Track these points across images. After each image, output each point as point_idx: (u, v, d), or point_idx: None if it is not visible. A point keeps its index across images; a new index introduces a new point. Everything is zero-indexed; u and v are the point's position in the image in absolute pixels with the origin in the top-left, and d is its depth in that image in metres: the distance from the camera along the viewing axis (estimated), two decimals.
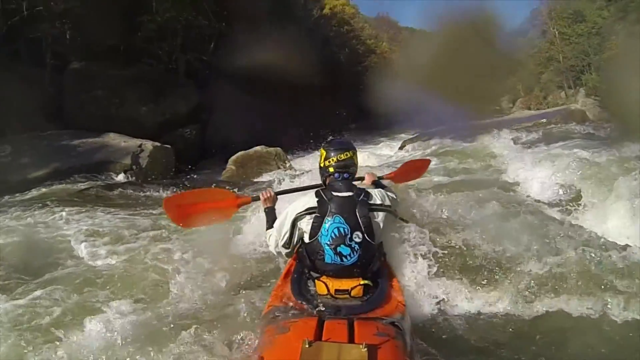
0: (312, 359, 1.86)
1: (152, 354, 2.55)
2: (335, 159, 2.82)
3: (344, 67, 27.45)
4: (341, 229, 2.59)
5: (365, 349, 1.88)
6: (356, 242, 2.59)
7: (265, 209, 3.13)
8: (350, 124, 25.02)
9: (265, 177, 9.78)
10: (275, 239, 2.84)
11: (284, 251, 2.85)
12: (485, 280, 3.40)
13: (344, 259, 2.59)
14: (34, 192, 7.58)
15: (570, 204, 5.23)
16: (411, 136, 15.73)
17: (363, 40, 32.72)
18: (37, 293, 3.39)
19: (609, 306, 3.14)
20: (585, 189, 5.43)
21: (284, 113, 21.01)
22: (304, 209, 2.71)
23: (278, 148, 11.48)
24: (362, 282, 2.59)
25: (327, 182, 2.87)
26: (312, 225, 2.65)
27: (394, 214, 2.87)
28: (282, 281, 2.87)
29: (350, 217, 2.62)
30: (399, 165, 4.84)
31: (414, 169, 4.56)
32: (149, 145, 10.52)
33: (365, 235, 2.62)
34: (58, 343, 2.65)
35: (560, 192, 5.70)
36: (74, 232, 5.03)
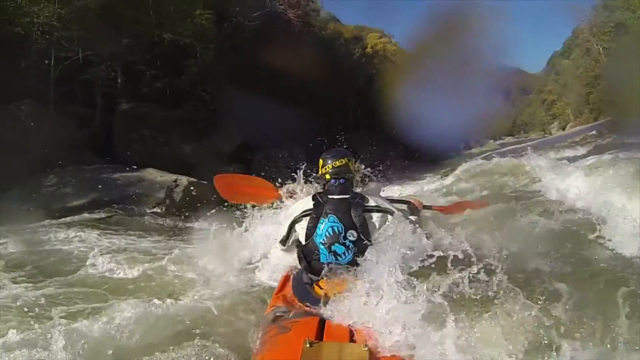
0: (313, 359, 1.88)
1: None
2: (330, 166, 2.93)
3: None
4: (335, 228, 2.66)
5: (366, 349, 1.89)
6: (350, 241, 2.64)
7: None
8: (396, 161, 24.51)
9: None
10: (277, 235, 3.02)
11: (279, 247, 2.97)
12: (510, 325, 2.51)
13: (339, 258, 2.64)
14: (71, 218, 8.02)
15: (616, 223, 4.41)
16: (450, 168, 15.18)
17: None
18: (58, 291, 3.81)
19: None
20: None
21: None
22: (300, 212, 2.82)
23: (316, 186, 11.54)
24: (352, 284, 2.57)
25: (326, 188, 2.95)
26: (308, 227, 2.74)
27: (397, 214, 2.84)
28: (283, 282, 2.93)
29: (344, 217, 2.69)
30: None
31: (468, 209, 4.35)
32: (184, 180, 10.67)
33: (360, 234, 2.66)
34: (65, 335, 2.68)
35: (605, 207, 4.96)
36: (99, 248, 5.39)
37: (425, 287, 2.33)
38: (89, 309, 3.32)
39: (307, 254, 2.75)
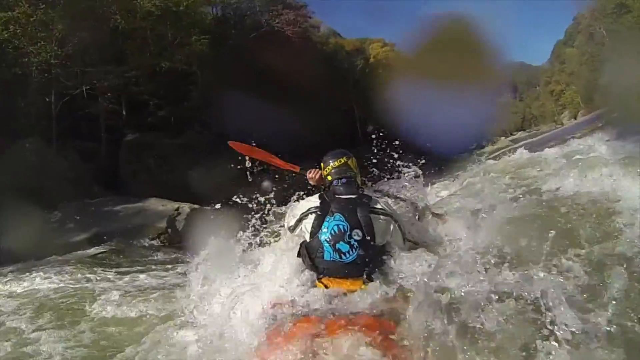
0: (313, 357, 1.89)
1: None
2: (331, 167, 2.93)
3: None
4: (341, 227, 2.64)
5: (368, 346, 1.87)
6: (355, 240, 2.61)
7: (308, 183, 3.40)
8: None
9: None
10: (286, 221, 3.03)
11: (287, 232, 2.97)
12: None
13: (343, 256, 2.61)
14: (73, 254, 7.93)
15: None
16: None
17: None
18: (78, 337, 3.68)
19: None
20: None
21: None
22: (306, 208, 2.79)
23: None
24: (362, 287, 2.55)
25: (330, 189, 2.94)
26: (313, 224, 2.71)
27: (398, 228, 2.82)
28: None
29: (350, 216, 2.67)
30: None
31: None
32: (186, 208, 10.50)
33: (365, 234, 2.63)
34: None
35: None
36: (94, 287, 5.33)
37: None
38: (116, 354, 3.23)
39: (311, 251, 2.71)
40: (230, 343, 2.56)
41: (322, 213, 2.71)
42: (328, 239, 2.63)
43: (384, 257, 2.76)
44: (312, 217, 2.74)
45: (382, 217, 2.75)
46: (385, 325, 2.14)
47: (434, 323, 2.21)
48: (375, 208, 2.75)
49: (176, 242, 8.98)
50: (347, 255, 2.60)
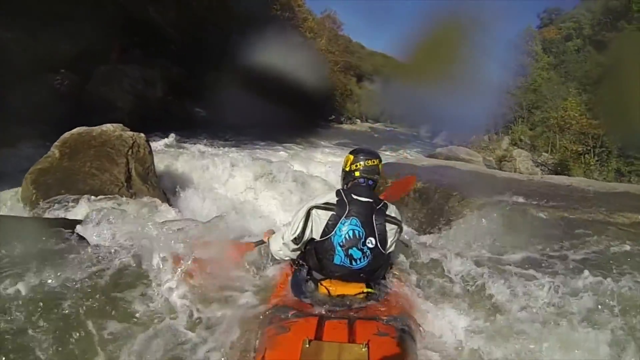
0: (312, 359, 1.90)
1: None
2: (362, 164, 2.84)
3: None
4: (356, 232, 2.60)
5: (366, 349, 1.92)
6: (369, 248, 2.61)
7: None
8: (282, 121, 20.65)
9: (92, 201, 5.07)
10: (282, 233, 2.91)
11: (291, 246, 2.84)
12: None
13: (354, 262, 2.60)
14: None
15: None
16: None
17: (302, 32, 30.90)
18: None
19: None
20: None
21: (186, 91, 18.56)
22: (323, 202, 2.69)
23: (141, 134, 6.42)
24: (365, 290, 2.65)
25: (349, 185, 2.87)
26: (327, 223, 2.63)
27: (399, 233, 2.86)
28: (282, 281, 2.91)
29: (366, 222, 2.63)
30: None
31: (402, 187, 4.64)
32: None
33: (378, 242, 2.63)
34: None
35: None
36: None
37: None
38: None
39: (319, 251, 2.67)
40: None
41: (337, 213, 2.63)
42: (342, 243, 2.60)
43: (389, 262, 2.87)
44: (327, 213, 2.65)
45: (394, 225, 2.76)
46: (384, 328, 2.18)
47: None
48: (390, 216, 2.74)
49: None
50: (358, 262, 2.60)
